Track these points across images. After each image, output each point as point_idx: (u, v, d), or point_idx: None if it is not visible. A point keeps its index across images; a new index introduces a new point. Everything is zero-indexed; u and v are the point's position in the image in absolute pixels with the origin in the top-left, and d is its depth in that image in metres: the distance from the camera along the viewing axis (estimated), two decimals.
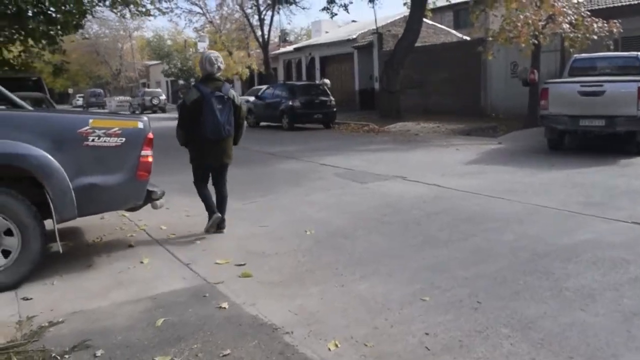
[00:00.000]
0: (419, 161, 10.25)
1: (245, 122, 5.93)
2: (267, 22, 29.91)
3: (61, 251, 4.35)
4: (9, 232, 4.19)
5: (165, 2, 30.68)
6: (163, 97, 39.81)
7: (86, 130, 4.33)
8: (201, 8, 34.45)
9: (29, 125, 4.22)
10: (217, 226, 5.61)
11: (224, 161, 5.63)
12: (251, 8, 31.24)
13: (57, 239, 4.28)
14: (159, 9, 25.59)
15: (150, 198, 4.76)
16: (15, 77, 15.74)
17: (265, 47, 29.94)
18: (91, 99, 53.65)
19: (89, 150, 4.36)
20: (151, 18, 64.56)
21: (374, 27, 25.23)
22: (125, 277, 4.38)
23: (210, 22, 34.92)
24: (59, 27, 13.39)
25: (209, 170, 5.68)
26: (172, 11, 32.73)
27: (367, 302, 3.67)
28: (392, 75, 19.44)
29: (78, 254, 5.10)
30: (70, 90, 69.90)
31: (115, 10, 18.23)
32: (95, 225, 6.00)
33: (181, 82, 50.62)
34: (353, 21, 35.51)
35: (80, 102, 57.36)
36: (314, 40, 34.33)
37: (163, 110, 37.68)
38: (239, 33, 34.87)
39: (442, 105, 20.79)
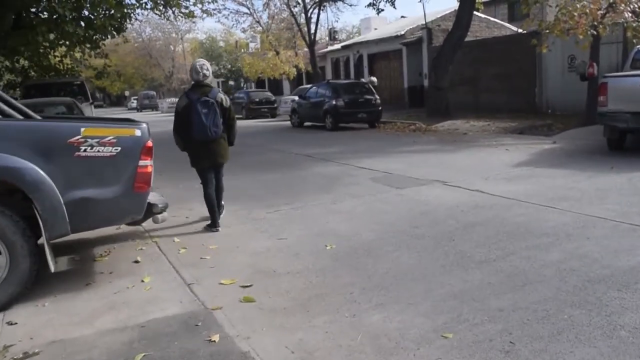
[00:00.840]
0: (463, 163, 9.54)
1: (236, 123, 6.23)
2: (314, 20, 29.46)
3: (53, 270, 4.01)
4: None
5: (210, 3, 30.93)
6: None
7: (77, 139, 3.97)
8: (248, 8, 34.38)
9: (14, 136, 3.89)
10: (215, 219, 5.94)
11: (218, 161, 6.00)
12: (295, 6, 30.88)
13: (48, 257, 3.94)
14: (205, 11, 25.68)
15: (150, 212, 4.36)
16: (61, 82, 15.97)
17: (311, 45, 29.51)
18: (144, 101, 54.96)
19: (81, 162, 4.00)
20: (202, 20, 65.27)
21: (423, 23, 24.40)
22: (120, 298, 4.00)
23: (258, 21, 34.83)
24: (96, 31, 13.40)
25: (211, 171, 6.00)
26: (219, 12, 32.82)
27: (379, 338, 3.13)
28: (441, 72, 18.62)
29: (80, 269, 4.79)
30: (127, 93, 72.00)
31: (157, 13, 18.27)
32: (108, 235, 5.69)
33: (231, 83, 51.07)
34: (402, 17, 34.64)
35: (134, 104, 58.84)
36: (362, 37, 33.72)
37: None
38: (287, 32, 34.62)
39: (493, 102, 19.79)
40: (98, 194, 4.07)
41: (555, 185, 7.07)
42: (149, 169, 4.22)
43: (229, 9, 34.85)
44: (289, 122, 21.80)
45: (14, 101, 5.33)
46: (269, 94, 31.12)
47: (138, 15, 16.92)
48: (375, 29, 34.10)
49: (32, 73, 16.98)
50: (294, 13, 31.62)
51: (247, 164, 11.02)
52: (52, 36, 12.86)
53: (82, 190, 4.03)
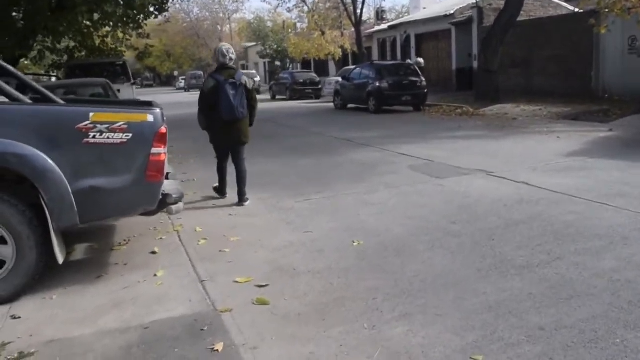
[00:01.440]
0: (510, 151, 8.96)
1: (257, 104, 6.43)
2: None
3: (60, 262, 3.81)
4: (3, 240, 3.73)
5: None
6: (258, 78, 39.98)
7: (86, 125, 3.73)
8: None
9: (19, 121, 3.68)
10: (239, 199, 6.27)
11: (241, 140, 6.25)
12: None
13: (56, 248, 3.75)
14: None
15: (165, 202, 4.10)
16: (103, 62, 16.04)
17: (357, 25, 28.83)
18: (192, 81, 55.32)
19: (90, 149, 3.76)
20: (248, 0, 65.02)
21: (474, 1, 23.38)
22: (129, 294, 3.77)
23: (303, 1, 34.27)
24: (136, 11, 13.29)
25: (228, 149, 6.35)
26: None
27: (398, 357, 2.77)
28: (491, 53, 17.76)
29: (96, 259, 4.60)
30: (176, 73, 72.88)
31: None
32: (131, 222, 5.50)
33: (277, 63, 50.82)
34: None
35: (182, 84, 59.41)
36: (409, 17, 32.75)
37: (257, 92, 37.74)
38: (333, 12, 33.97)
39: (546, 85, 18.79)
40: (108, 183, 3.83)
41: (610, 179, 6.48)
42: (162, 157, 3.94)
43: None
44: (332, 104, 21.39)
45: (33, 83, 5.17)
46: (314, 74, 30.68)
47: None
48: (424, 8, 33.03)
49: (77, 53, 17.14)
50: None
51: (284, 147, 10.73)
52: (95, 16, 12.82)
53: (91, 179, 3.80)
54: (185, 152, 10.04)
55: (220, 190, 6.54)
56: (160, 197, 4.08)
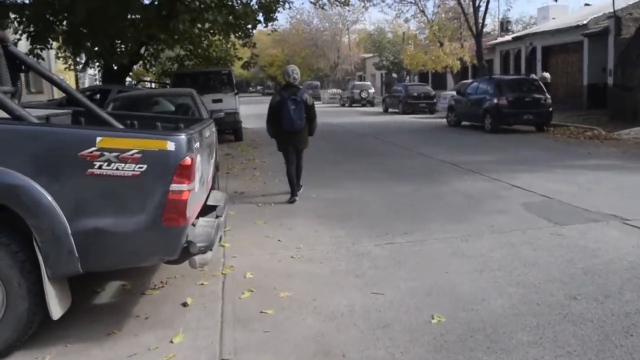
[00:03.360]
0: None
1: (316, 117, 7.33)
2: (482, 8, 26.82)
3: (54, 318, 3.09)
4: None
5: None
6: (372, 90, 39.03)
7: (91, 152, 2.98)
8: None
9: (14, 143, 3.00)
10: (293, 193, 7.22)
11: (300, 147, 7.31)
12: None
13: (50, 301, 3.03)
14: None
15: (187, 252, 3.24)
16: (209, 71, 15.96)
17: (478, 36, 26.90)
18: (308, 91, 55.84)
19: (95, 181, 3.01)
20: (365, 10, 64.61)
21: (611, 10, 20.82)
22: None
23: (422, 11, 32.85)
24: (239, 18, 12.95)
25: (292, 154, 7.27)
26: (382, 1, 31.56)
27: None
28: (630, 68, 15.50)
29: (118, 307, 3.87)
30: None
31: (313, 1, 17.65)
32: None
33: (394, 75, 49.71)
34: (586, 4, 30.42)
35: None
36: (536, 27, 30.26)
37: (372, 104, 36.82)
38: (453, 22, 32.23)
39: None
40: (116, 225, 3.06)
41: None
42: (185, 196, 3.09)
43: None
44: (445, 120, 19.95)
45: (76, 94, 4.59)
46: (428, 88, 29.21)
47: (287, 4, 16.13)
48: (554, 18, 30.40)
49: (187, 62, 17.28)
50: (461, 1, 29.20)
51: (380, 169, 9.70)
52: (199, 25, 12.67)
53: (96, 218, 3.04)
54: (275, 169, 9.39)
55: (292, 195, 7.18)
56: (185, 244, 3.24)
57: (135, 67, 18.27)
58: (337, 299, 3.85)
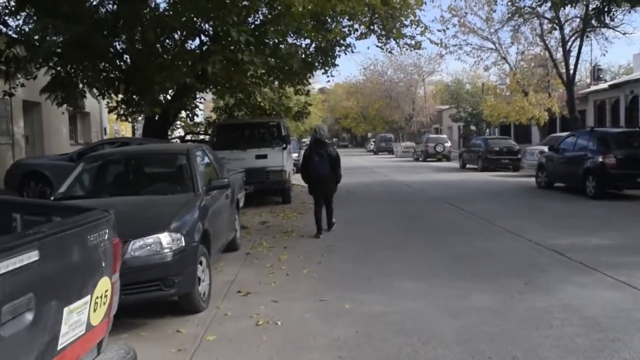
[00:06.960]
0: None
1: (340, 167, 8.79)
2: (573, 54, 23.72)
3: None
4: None
5: (450, 38, 27.32)
6: (448, 143, 36.13)
7: None
8: (493, 43, 29.64)
9: None
10: (323, 229, 8.78)
11: (327, 192, 8.79)
12: (549, 36, 25.47)
13: None
14: (441, 44, 22.54)
15: None
16: (254, 122, 14.08)
17: (570, 84, 23.76)
18: (381, 144, 54.26)
19: None
20: (442, 59, 62.50)
21: None
22: None
23: (504, 58, 29.98)
24: (281, 61, 11.01)
25: (321, 199, 8.79)
26: (460, 48, 29.09)
27: None
28: None
29: None
30: (369, 135, 72.79)
31: (379, 45, 15.59)
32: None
33: (472, 127, 46.76)
34: None
35: (372, 146, 58.61)
36: (636, 74, 26.68)
37: (447, 159, 33.95)
38: (539, 70, 29.14)
39: None
40: None
41: None
42: None
43: (471, 44, 30.33)
44: (533, 180, 16.91)
45: None
46: (512, 142, 26.07)
47: (348, 48, 14.04)
48: None
49: (237, 112, 15.53)
50: (549, 47, 26.23)
51: (453, 256, 7.08)
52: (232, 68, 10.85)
53: None
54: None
55: (317, 232, 8.53)
56: None
57: (182, 117, 16.73)
58: None
